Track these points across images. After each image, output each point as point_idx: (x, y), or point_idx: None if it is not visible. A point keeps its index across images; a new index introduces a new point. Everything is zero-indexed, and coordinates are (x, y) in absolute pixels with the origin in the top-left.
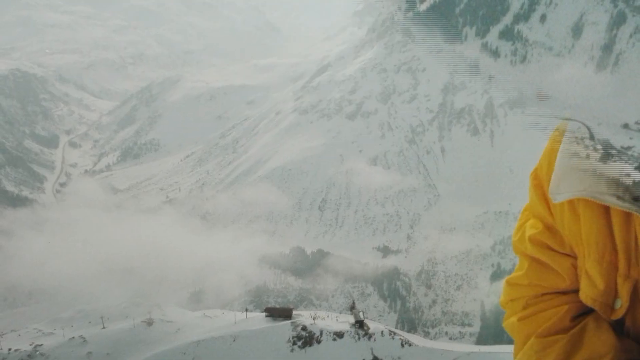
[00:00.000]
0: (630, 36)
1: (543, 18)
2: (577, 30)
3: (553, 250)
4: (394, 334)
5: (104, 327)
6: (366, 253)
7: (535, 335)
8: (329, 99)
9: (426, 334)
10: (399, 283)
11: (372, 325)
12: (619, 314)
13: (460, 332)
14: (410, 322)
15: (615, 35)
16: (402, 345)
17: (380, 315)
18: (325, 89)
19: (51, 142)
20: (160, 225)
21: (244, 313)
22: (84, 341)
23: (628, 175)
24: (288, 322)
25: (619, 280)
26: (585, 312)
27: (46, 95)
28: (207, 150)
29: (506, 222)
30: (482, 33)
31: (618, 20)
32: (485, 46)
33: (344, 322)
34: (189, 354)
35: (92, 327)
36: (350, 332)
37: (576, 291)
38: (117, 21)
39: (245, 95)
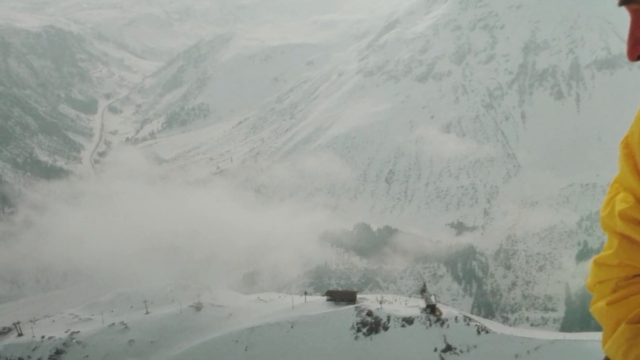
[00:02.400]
0: None
1: None
2: None
3: None
4: (469, 319)
5: (147, 312)
6: (438, 230)
7: (626, 321)
8: (397, 59)
9: (505, 320)
10: (474, 263)
11: (445, 310)
12: None
13: (542, 317)
14: (487, 307)
15: None
16: (479, 332)
17: (454, 299)
18: (392, 48)
19: (89, 107)
20: (210, 199)
21: (303, 296)
22: (125, 328)
23: None
24: (352, 306)
25: None
26: None
27: (83, 55)
28: (261, 116)
29: (594, 196)
30: None
31: None
32: None
33: (414, 306)
34: (242, 342)
35: (134, 312)
36: (421, 317)
37: None
38: None
39: (304, 55)
